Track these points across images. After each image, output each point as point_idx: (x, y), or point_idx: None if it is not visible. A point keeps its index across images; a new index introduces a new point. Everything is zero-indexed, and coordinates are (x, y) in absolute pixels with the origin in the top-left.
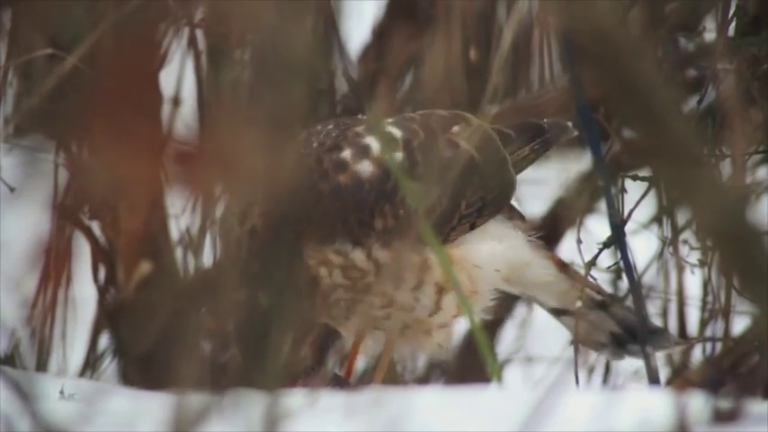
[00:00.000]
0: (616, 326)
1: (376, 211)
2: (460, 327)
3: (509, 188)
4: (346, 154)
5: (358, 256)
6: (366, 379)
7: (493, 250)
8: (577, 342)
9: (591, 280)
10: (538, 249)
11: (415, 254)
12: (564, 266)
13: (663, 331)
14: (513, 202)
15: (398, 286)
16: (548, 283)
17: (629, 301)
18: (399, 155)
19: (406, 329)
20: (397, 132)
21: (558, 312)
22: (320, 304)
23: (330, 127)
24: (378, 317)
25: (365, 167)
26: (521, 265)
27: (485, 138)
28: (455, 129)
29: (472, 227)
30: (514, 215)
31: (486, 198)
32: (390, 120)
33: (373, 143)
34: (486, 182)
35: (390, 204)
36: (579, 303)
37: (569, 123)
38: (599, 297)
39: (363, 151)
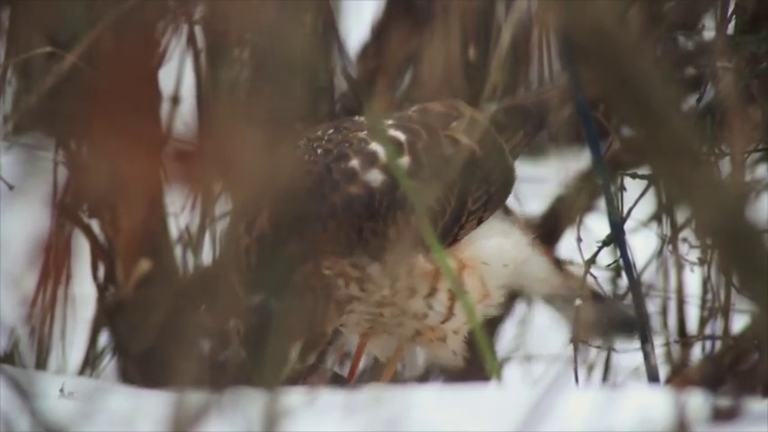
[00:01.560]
0: (612, 320)
1: (389, 219)
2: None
3: (510, 176)
4: (354, 163)
5: (375, 270)
6: (365, 378)
7: (500, 246)
8: (576, 340)
9: (586, 276)
10: (534, 246)
11: (428, 262)
12: (558, 263)
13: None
14: (508, 202)
15: (411, 295)
16: (543, 279)
17: (628, 299)
18: (406, 159)
19: (418, 336)
20: (399, 135)
21: (551, 297)
22: (333, 313)
23: (331, 132)
24: (390, 324)
25: (375, 177)
26: (522, 262)
27: (481, 129)
28: (453, 124)
29: (479, 222)
30: (509, 213)
31: (490, 191)
32: (390, 122)
33: (380, 149)
34: (488, 174)
35: (402, 211)
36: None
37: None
38: (597, 291)
39: (371, 159)
